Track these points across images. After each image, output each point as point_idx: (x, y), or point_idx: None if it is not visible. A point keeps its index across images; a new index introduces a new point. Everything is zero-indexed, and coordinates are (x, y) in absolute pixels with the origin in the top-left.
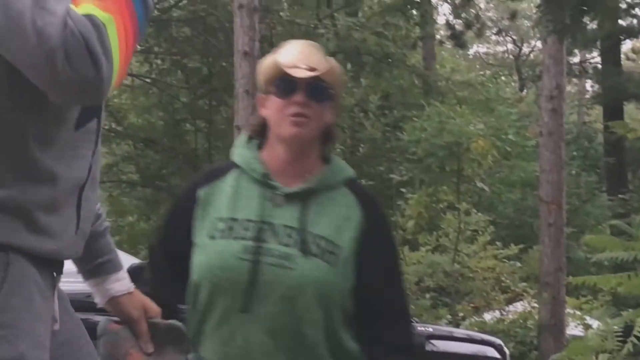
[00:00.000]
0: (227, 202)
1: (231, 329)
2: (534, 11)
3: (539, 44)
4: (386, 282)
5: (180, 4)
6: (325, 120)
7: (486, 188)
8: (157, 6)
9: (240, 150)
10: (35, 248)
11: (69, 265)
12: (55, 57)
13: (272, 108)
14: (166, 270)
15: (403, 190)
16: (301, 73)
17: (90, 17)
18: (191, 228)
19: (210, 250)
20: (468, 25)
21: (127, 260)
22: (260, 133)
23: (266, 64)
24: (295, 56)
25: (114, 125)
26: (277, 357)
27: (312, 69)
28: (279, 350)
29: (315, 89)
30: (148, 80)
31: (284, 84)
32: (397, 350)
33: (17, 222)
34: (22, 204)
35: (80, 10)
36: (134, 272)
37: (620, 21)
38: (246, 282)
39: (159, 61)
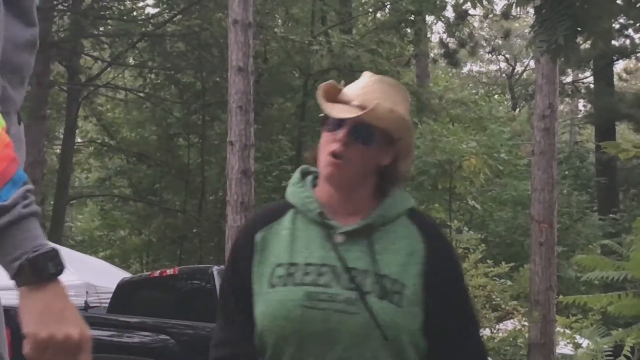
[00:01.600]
0: (285, 246)
1: None
2: (527, 30)
3: (532, 63)
4: (458, 317)
5: (174, 19)
6: (377, 161)
7: (478, 206)
8: (152, 21)
9: (294, 189)
10: None
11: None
12: None
13: (321, 142)
14: (243, 319)
15: None
16: (339, 112)
17: None
18: (249, 275)
19: (272, 299)
20: (462, 43)
21: (119, 274)
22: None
23: (327, 88)
24: (354, 91)
25: (106, 139)
26: None
27: (362, 108)
28: None
29: (361, 130)
30: (141, 94)
31: (331, 119)
32: None
33: None
34: None
35: None
36: (124, 287)
37: (613, 42)
38: (311, 331)
39: (152, 76)
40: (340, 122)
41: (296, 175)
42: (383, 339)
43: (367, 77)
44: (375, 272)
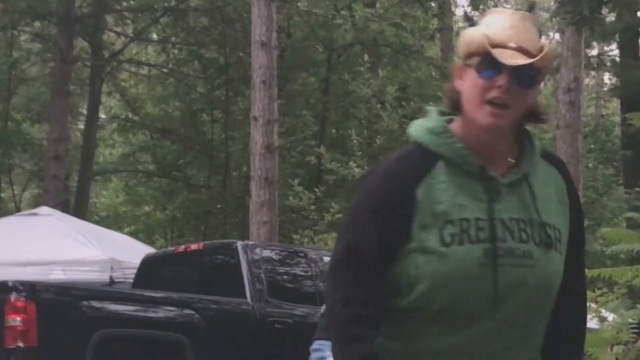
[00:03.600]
0: (449, 201)
1: (469, 337)
2: (552, 3)
3: (557, 36)
4: (583, 253)
5: None
6: (527, 105)
7: None
8: None
9: (440, 139)
10: None
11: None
12: None
13: (469, 85)
14: (378, 278)
15: None
16: (509, 58)
17: None
18: (409, 233)
19: (449, 259)
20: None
21: (143, 250)
22: (453, 106)
23: (471, 33)
24: (505, 32)
25: (130, 115)
26: (509, 354)
27: (522, 50)
28: (512, 347)
29: (522, 74)
30: (165, 70)
31: (486, 63)
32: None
33: None
34: None
35: None
36: (148, 262)
37: (639, 13)
38: (491, 289)
39: (176, 51)
40: (497, 67)
41: (437, 120)
42: (553, 288)
43: (508, 15)
44: (540, 222)
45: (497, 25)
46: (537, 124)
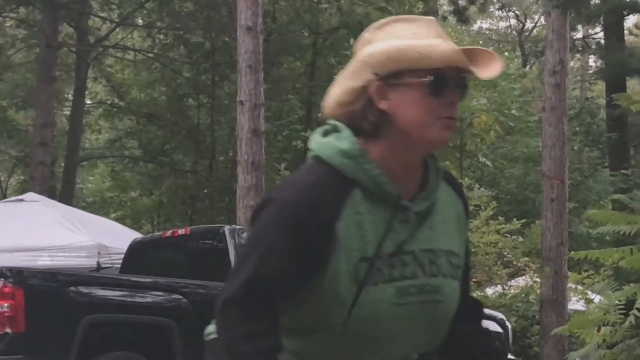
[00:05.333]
0: (362, 235)
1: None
2: None
3: (542, 19)
4: (469, 269)
5: None
6: None
7: (489, 163)
8: None
9: (354, 163)
10: None
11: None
12: None
13: (411, 105)
14: (274, 309)
15: None
16: (483, 71)
17: None
18: (321, 269)
19: (361, 301)
20: (471, 0)
21: (131, 235)
22: (373, 131)
23: (399, 48)
24: (448, 45)
25: (116, 101)
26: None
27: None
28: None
29: (465, 84)
30: (151, 55)
31: (438, 80)
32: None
33: None
34: None
35: None
36: (136, 247)
37: None
38: (400, 327)
39: (161, 36)
40: (445, 82)
41: (352, 142)
42: (453, 313)
43: (423, 22)
44: (446, 252)
45: (421, 35)
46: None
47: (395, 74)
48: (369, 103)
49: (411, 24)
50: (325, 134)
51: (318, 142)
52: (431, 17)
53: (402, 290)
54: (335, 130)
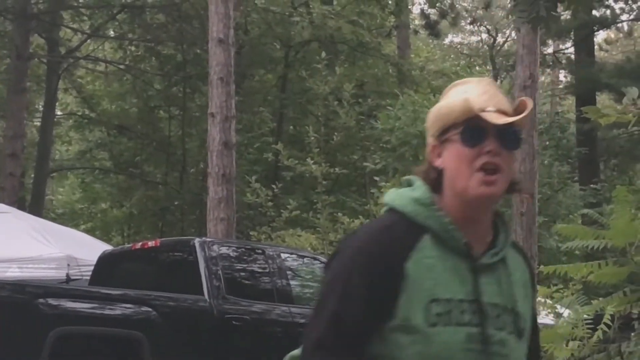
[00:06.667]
0: (436, 278)
1: None
2: (509, 1)
3: (513, 34)
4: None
5: None
6: (515, 169)
7: None
8: None
9: (426, 210)
10: None
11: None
12: None
13: (453, 158)
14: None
15: (376, 178)
16: (495, 119)
17: None
18: (394, 309)
19: (433, 340)
20: (443, 14)
21: (100, 247)
22: (433, 187)
23: (446, 105)
24: (480, 98)
25: (87, 112)
26: None
27: (502, 112)
28: None
29: (508, 136)
30: (122, 66)
31: (471, 130)
32: None
33: None
34: None
35: None
36: (105, 259)
37: (594, 12)
38: None
39: (133, 48)
40: (482, 133)
41: (424, 191)
42: None
43: (475, 82)
44: (512, 309)
45: (472, 92)
46: (514, 194)
47: (442, 132)
48: (430, 162)
49: (463, 86)
50: (400, 187)
51: (392, 194)
52: (487, 78)
53: (472, 336)
54: (409, 184)
